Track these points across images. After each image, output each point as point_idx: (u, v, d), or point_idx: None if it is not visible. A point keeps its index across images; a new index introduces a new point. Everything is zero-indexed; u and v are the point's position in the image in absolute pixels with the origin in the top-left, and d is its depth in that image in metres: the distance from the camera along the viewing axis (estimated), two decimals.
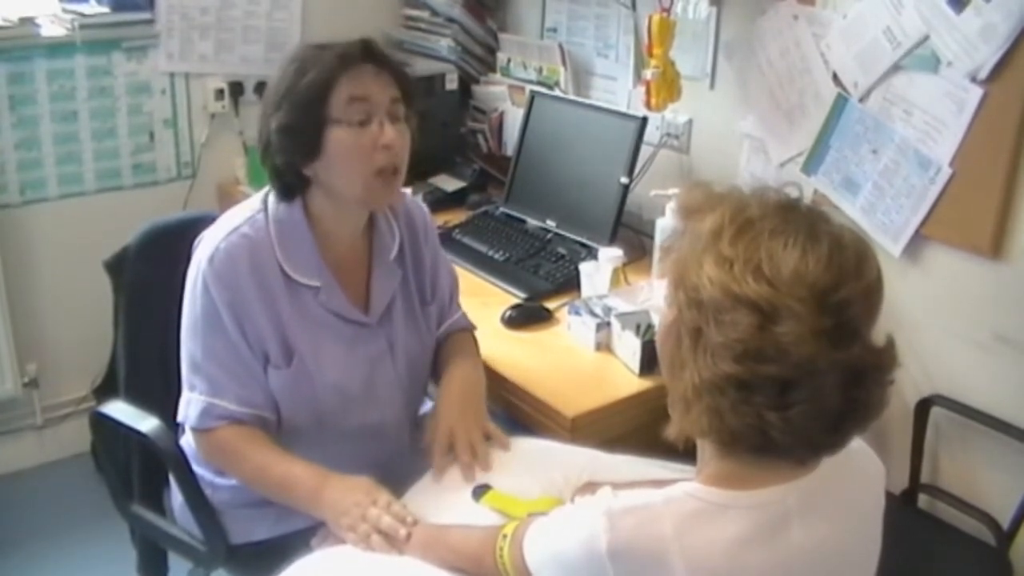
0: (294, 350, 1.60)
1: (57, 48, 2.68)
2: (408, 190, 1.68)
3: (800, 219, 1.04)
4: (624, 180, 2.38)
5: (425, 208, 1.85)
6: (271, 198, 1.63)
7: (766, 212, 1.05)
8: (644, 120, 2.39)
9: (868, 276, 1.03)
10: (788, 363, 0.98)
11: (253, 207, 1.64)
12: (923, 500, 2.08)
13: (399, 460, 1.68)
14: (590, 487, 1.42)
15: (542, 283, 2.30)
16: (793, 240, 1.01)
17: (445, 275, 1.84)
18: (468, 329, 1.89)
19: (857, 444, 1.19)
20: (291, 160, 1.56)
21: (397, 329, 1.72)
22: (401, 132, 1.58)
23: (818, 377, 0.98)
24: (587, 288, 2.19)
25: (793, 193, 1.10)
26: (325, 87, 1.52)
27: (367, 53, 1.56)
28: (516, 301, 2.21)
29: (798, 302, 0.98)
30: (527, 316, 2.14)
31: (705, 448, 1.12)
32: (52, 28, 2.67)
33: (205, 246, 1.60)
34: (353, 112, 1.53)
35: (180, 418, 1.63)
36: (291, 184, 1.60)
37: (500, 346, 2.00)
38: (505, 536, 1.24)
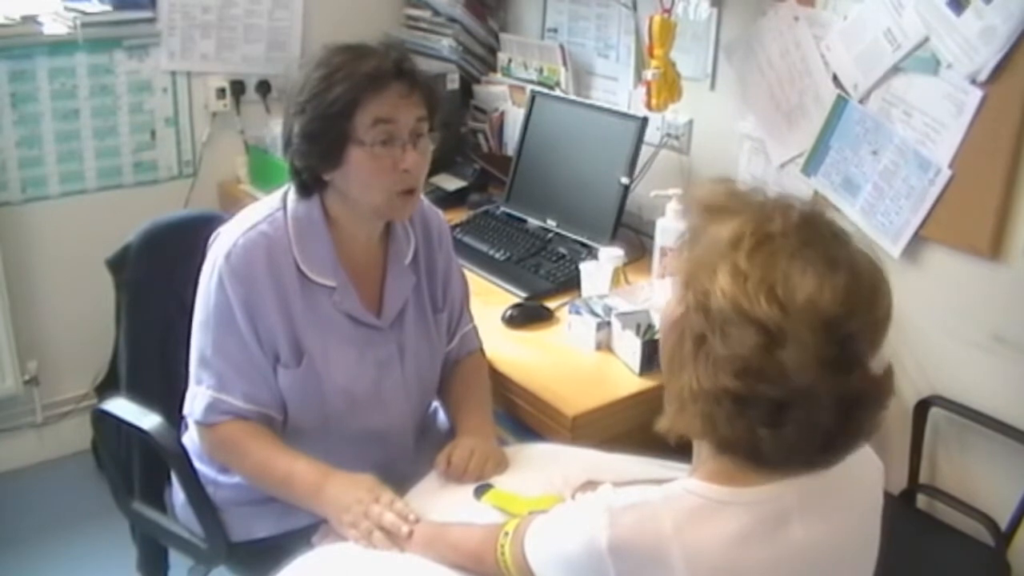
0: (304, 350, 1.61)
1: (59, 46, 2.69)
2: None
3: (820, 241, 1.02)
4: (624, 180, 2.39)
5: (441, 214, 1.85)
6: (291, 196, 1.63)
7: (787, 229, 1.03)
8: (645, 120, 2.39)
9: (880, 310, 1.03)
10: (787, 387, 0.98)
11: (272, 204, 1.64)
12: (921, 500, 2.08)
13: (403, 464, 1.67)
14: (590, 485, 1.43)
15: (543, 282, 2.31)
16: (812, 267, 0.99)
17: (457, 282, 1.83)
18: (477, 351, 1.88)
19: None
20: (310, 164, 1.57)
21: (408, 334, 1.71)
22: (422, 151, 1.57)
23: (814, 400, 0.99)
24: (587, 287, 2.20)
25: (815, 205, 1.08)
26: (351, 106, 1.50)
27: (398, 72, 1.53)
28: (517, 300, 2.21)
29: (808, 331, 0.97)
30: (528, 315, 2.14)
31: (702, 446, 1.12)
32: (54, 26, 2.67)
33: (223, 242, 1.60)
34: (377, 133, 1.52)
35: (186, 411, 1.63)
36: (309, 184, 1.60)
37: (501, 345, 2.00)
38: (506, 534, 1.24)
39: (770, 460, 1.03)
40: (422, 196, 1.75)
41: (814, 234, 1.03)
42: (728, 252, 1.02)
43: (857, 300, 1.00)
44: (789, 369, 0.97)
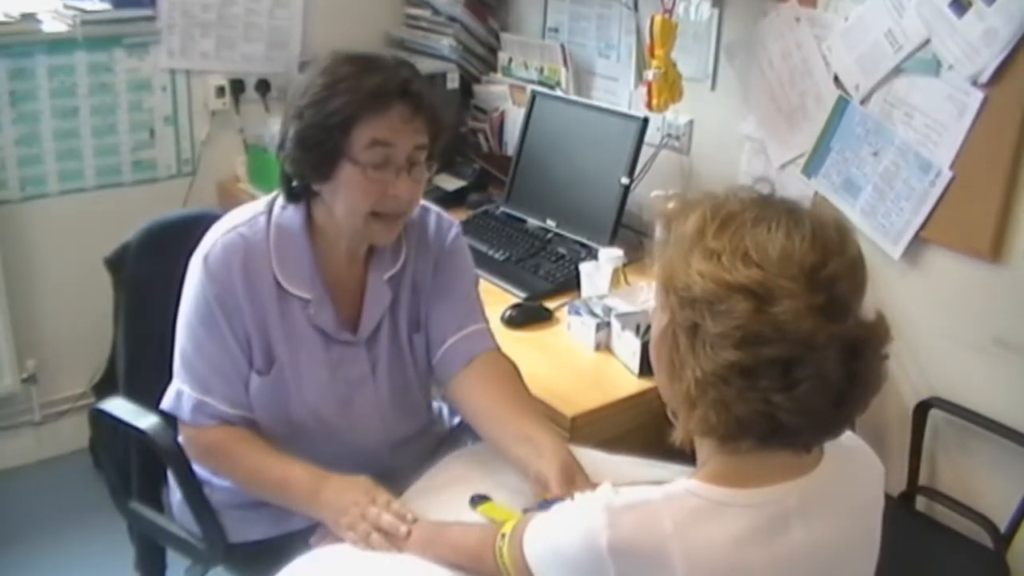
0: (275, 358, 1.59)
1: (58, 44, 2.68)
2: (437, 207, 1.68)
3: (778, 206, 1.08)
4: (625, 180, 2.39)
5: (456, 226, 1.73)
6: (277, 203, 1.61)
7: (745, 205, 1.07)
8: (645, 121, 2.39)
9: (851, 251, 1.06)
10: (788, 341, 0.99)
11: (257, 209, 1.61)
12: (921, 502, 2.08)
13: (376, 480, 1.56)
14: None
15: (542, 283, 2.31)
16: (776, 224, 1.04)
17: (449, 300, 1.68)
18: (494, 349, 1.71)
19: (856, 444, 1.20)
20: (301, 173, 1.54)
21: (382, 351, 1.66)
22: (416, 179, 1.53)
23: (819, 352, 1.00)
24: (587, 288, 2.20)
25: (765, 189, 1.13)
26: (349, 121, 1.46)
27: (403, 93, 1.47)
28: (516, 301, 2.21)
29: (790, 281, 1.00)
30: (527, 316, 2.14)
31: (705, 447, 1.12)
32: (53, 24, 2.67)
33: (204, 243, 1.59)
34: (372, 155, 1.48)
35: (166, 406, 1.60)
36: (297, 191, 1.57)
37: (500, 345, 1.99)
38: (504, 535, 1.24)
39: (789, 428, 1.03)
40: (434, 207, 1.71)
41: (769, 202, 1.09)
42: (696, 240, 1.05)
43: (827, 244, 1.03)
44: (785, 323, 0.99)
